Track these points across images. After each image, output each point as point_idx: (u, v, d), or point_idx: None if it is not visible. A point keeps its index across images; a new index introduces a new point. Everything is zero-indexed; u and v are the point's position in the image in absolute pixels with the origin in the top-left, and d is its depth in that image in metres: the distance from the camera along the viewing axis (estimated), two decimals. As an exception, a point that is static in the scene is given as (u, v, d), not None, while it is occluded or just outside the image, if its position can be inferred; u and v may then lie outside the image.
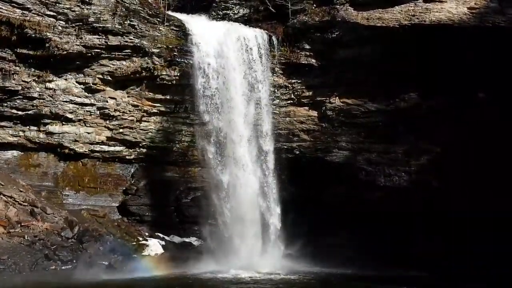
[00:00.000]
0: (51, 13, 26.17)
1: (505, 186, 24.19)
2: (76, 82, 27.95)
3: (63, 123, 28.31)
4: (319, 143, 30.19)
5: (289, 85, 29.84)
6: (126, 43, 27.56)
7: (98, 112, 28.81)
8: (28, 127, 27.86)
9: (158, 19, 28.69)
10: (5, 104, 26.76)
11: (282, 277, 22.65)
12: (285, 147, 30.41)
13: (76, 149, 28.82)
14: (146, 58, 28.16)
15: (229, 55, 27.66)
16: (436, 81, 26.60)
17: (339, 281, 22.37)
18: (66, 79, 27.71)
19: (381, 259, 23.91)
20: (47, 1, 25.72)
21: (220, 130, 27.02)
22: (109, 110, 28.79)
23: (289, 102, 30.21)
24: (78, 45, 26.74)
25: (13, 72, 26.28)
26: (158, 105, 29.83)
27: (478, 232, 23.77)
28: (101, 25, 26.90)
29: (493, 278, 20.61)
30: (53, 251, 22.84)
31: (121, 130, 29.56)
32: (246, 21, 30.51)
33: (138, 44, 27.78)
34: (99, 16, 26.85)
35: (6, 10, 25.04)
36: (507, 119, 25.06)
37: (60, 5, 26.11)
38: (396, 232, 25.66)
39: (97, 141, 29.30)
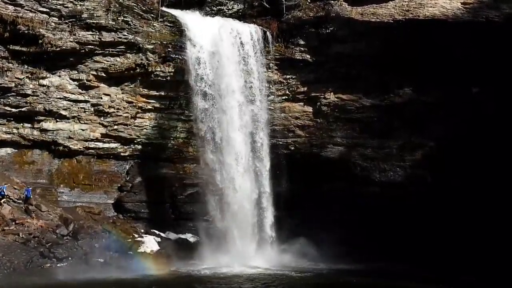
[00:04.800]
0: (44, 9, 26.10)
1: (502, 180, 24.30)
2: (70, 78, 27.83)
3: (57, 120, 28.17)
4: (314, 139, 30.19)
5: (284, 81, 29.84)
6: (120, 39, 27.48)
7: (92, 109, 28.68)
8: (21, 124, 27.69)
9: (152, 15, 28.62)
10: (-2, 101, 26.64)
11: (276, 272, 22.71)
12: (280, 143, 30.39)
13: (71, 146, 28.68)
14: (140, 54, 28.10)
15: (223, 50, 27.61)
16: (430, 76, 26.66)
17: (332, 275, 22.53)
18: (59, 76, 27.59)
19: (375, 253, 24.01)
20: (39, -3, 25.64)
21: (215, 126, 27.01)
22: (103, 107, 28.67)
23: (284, 98, 30.21)
24: (71, 41, 26.65)
25: (6, 69, 26.18)
26: (153, 101, 29.74)
27: (472, 226, 23.96)
28: (95, 21, 26.81)
29: (484, 271, 20.76)
30: (48, 248, 22.73)
31: (115, 127, 29.43)
32: (240, 16, 30.52)
33: (132, 40, 27.71)
34: (92, 12, 26.78)
35: (-2, 6, 24.94)
36: (503, 114, 25.15)
37: (53, 1, 26.05)
38: (389, 226, 25.73)
39: (91, 138, 29.16)
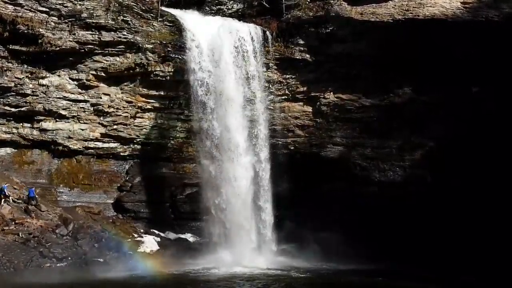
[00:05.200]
0: (44, 8, 26.10)
1: (502, 180, 24.28)
2: (70, 78, 27.83)
3: (57, 119, 28.18)
4: (313, 139, 30.19)
5: (283, 81, 29.81)
6: (119, 39, 27.46)
7: (91, 109, 28.68)
8: (21, 124, 27.71)
9: (152, 15, 28.62)
10: (-2, 101, 26.61)
11: (276, 273, 22.67)
12: (280, 142, 30.38)
13: (70, 146, 28.68)
14: (140, 54, 28.08)
15: (223, 50, 27.52)
16: (430, 76, 26.64)
17: (333, 275, 22.50)
18: (59, 76, 27.59)
19: (374, 253, 23.99)
20: (39, -3, 25.63)
21: (214, 125, 26.96)
22: (103, 107, 28.67)
23: (283, 97, 30.18)
24: (71, 41, 26.64)
25: (5, 68, 26.19)
26: (152, 101, 29.72)
27: (472, 226, 23.96)
28: (94, 21, 26.80)
29: (484, 271, 20.75)
30: (48, 248, 22.72)
31: (115, 127, 29.43)
32: (240, 16, 30.47)
33: (132, 40, 27.69)
34: (92, 11, 26.77)
35: (-2, 6, 24.92)
36: (503, 113, 25.13)
37: (53, 0, 26.02)
38: (389, 227, 25.71)
39: (91, 137, 29.17)
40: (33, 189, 25.87)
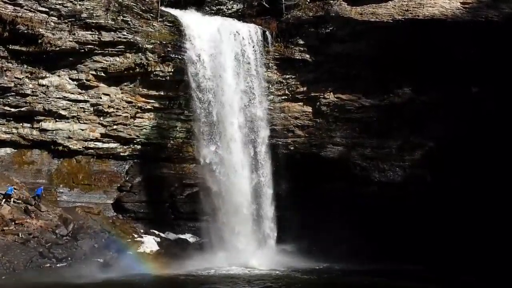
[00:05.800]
0: (43, 9, 26.07)
1: (502, 180, 24.30)
2: (69, 78, 27.80)
3: (57, 120, 28.15)
4: (313, 139, 30.21)
5: (283, 81, 29.82)
6: (119, 39, 27.44)
7: (91, 109, 28.65)
8: (21, 124, 27.68)
9: (152, 15, 28.61)
10: (-2, 101, 26.60)
11: (277, 273, 22.67)
12: (280, 143, 30.40)
13: (70, 146, 28.66)
14: (140, 54, 28.05)
15: (223, 50, 27.56)
16: (430, 76, 26.67)
17: (333, 275, 22.48)
18: (59, 76, 27.56)
19: (375, 253, 24.00)
20: (39, -3, 25.61)
21: (214, 126, 26.98)
22: (102, 107, 28.64)
23: (283, 97, 30.20)
24: (70, 41, 26.61)
25: (5, 68, 26.15)
26: (152, 101, 29.71)
27: (472, 225, 23.98)
28: (94, 21, 26.78)
29: (484, 271, 20.78)
30: (47, 248, 22.74)
31: (115, 127, 29.41)
32: (240, 16, 30.48)
33: (132, 40, 27.67)
34: (92, 11, 26.75)
35: (-3, 6, 24.89)
36: (503, 113, 25.15)
37: (53, 0, 25.98)
38: (389, 226, 25.73)
39: (91, 138, 29.14)
40: (42, 188, 26.23)
